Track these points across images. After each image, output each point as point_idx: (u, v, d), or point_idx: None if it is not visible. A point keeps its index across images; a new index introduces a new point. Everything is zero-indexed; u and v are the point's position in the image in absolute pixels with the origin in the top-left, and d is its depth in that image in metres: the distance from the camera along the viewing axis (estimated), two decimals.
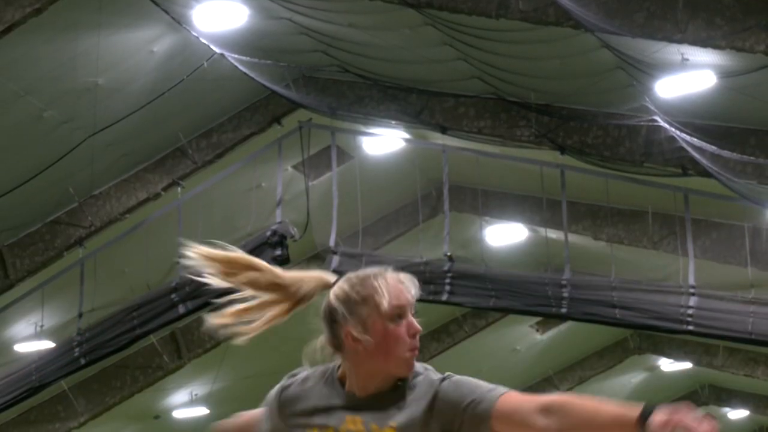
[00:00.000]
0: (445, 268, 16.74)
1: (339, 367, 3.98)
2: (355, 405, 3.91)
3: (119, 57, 15.59)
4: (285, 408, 4.03)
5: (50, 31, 14.62)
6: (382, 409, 3.87)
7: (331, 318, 3.89)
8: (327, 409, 3.94)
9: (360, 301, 3.86)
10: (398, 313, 3.85)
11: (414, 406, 3.85)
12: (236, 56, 15.61)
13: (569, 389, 29.01)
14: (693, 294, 16.10)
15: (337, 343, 3.90)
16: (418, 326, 3.87)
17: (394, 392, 3.89)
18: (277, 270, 3.99)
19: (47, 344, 19.00)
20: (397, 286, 3.88)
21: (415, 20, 14.44)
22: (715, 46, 13.03)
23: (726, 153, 15.20)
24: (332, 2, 14.53)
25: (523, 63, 15.46)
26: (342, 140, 18.27)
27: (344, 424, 3.89)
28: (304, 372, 4.04)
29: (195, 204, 17.80)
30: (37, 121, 16.05)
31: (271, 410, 4.07)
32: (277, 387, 4.08)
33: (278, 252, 16.24)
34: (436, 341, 25.51)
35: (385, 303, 3.84)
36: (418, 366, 3.93)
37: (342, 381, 3.95)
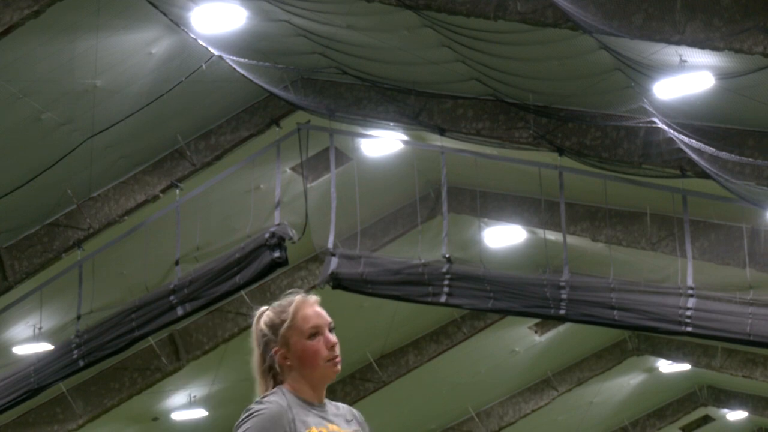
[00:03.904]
0: (444, 269, 16.73)
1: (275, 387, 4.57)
2: (323, 413, 4.57)
3: (117, 59, 15.58)
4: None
5: (48, 33, 14.62)
6: (339, 416, 4.60)
7: (264, 342, 4.62)
8: (311, 422, 4.50)
9: (281, 324, 4.58)
10: (313, 332, 4.56)
11: (354, 423, 4.61)
12: (234, 58, 15.61)
13: (567, 391, 29.03)
14: (691, 295, 16.08)
15: (267, 366, 4.62)
16: (334, 339, 4.59)
17: (330, 405, 4.64)
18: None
19: (46, 346, 18.98)
20: (311, 309, 4.60)
21: (414, 22, 14.43)
22: (714, 48, 13.02)
23: (724, 154, 15.19)
24: (330, 4, 14.52)
25: (521, 64, 15.45)
26: (340, 142, 18.27)
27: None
28: (270, 397, 4.57)
29: (193, 206, 17.80)
30: (35, 123, 16.05)
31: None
32: (273, 407, 4.49)
33: (277, 254, 16.23)
34: (434, 343, 25.51)
35: (301, 324, 4.56)
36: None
37: (298, 396, 4.54)
